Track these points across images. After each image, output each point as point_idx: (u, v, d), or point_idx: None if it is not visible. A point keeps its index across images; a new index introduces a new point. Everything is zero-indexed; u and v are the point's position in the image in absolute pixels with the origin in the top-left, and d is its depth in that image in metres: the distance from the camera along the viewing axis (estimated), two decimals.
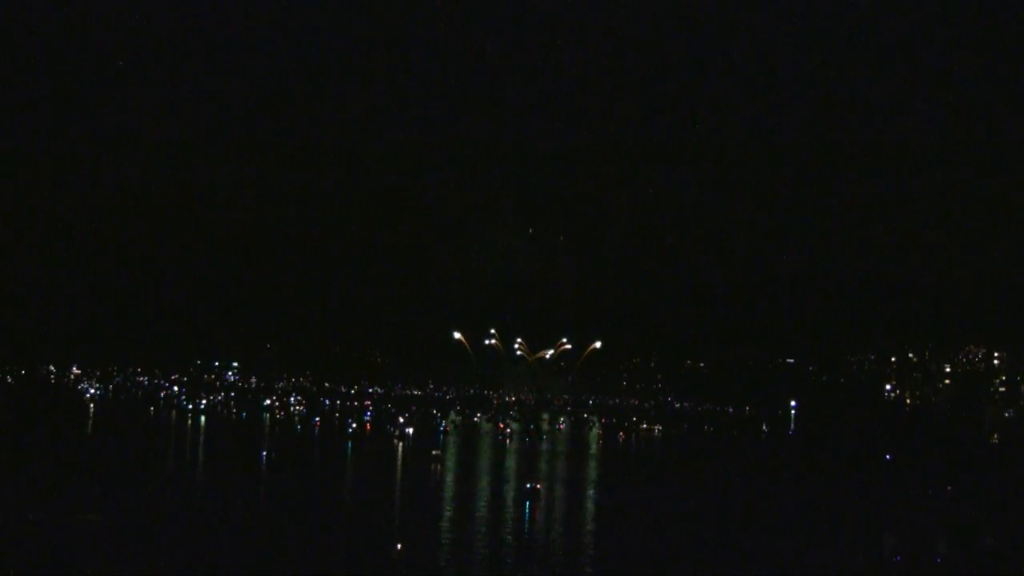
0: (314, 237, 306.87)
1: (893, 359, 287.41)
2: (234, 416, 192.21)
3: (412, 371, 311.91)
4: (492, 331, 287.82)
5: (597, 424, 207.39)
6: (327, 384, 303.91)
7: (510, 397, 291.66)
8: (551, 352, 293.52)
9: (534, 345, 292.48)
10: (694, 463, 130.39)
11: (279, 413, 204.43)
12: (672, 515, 78.83)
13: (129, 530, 59.21)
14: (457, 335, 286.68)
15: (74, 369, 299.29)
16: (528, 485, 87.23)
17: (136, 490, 76.90)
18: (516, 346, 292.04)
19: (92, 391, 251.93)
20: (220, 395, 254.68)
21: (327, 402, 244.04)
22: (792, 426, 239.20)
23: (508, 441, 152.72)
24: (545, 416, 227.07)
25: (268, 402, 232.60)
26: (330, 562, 54.34)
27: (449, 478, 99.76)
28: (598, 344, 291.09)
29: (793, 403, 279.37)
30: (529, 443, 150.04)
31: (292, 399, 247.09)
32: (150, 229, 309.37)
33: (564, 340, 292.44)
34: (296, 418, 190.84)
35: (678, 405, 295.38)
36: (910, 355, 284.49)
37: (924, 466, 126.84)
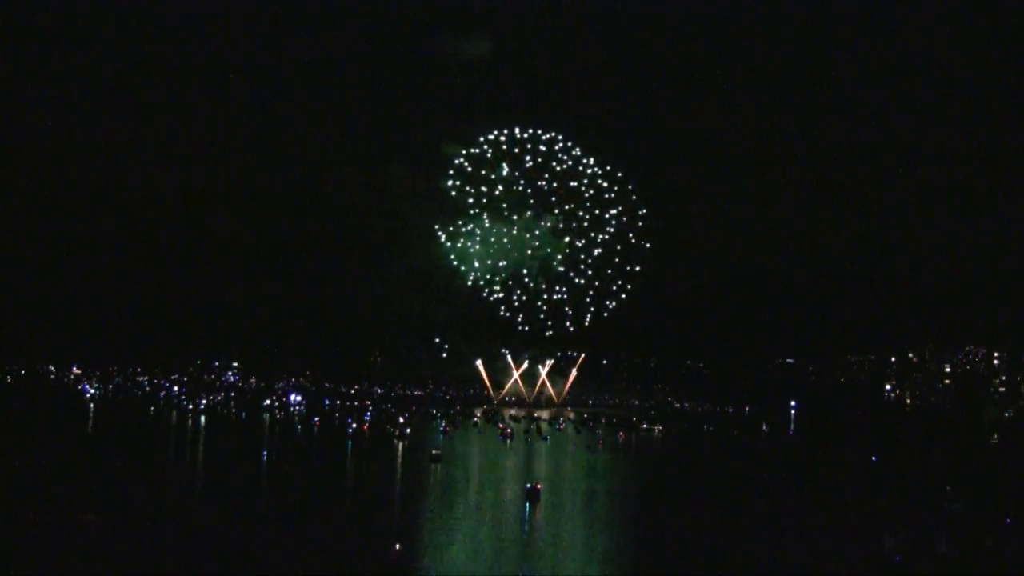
0: (314, 237, 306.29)
1: (893, 359, 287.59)
2: (234, 416, 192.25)
3: (412, 371, 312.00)
4: (504, 351, 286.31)
5: (597, 424, 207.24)
6: (327, 384, 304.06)
7: (510, 397, 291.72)
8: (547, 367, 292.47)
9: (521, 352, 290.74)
10: (694, 463, 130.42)
11: (279, 413, 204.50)
12: (672, 515, 78.86)
13: (129, 530, 59.21)
14: (479, 366, 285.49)
15: (74, 369, 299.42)
16: (528, 485, 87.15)
17: (136, 490, 76.89)
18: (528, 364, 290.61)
19: (92, 391, 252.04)
20: (220, 395, 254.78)
21: (327, 402, 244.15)
22: (792, 426, 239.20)
23: (508, 441, 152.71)
24: (545, 416, 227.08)
25: (268, 402, 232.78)
26: (330, 562, 54.34)
27: (449, 478, 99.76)
28: (582, 355, 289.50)
29: (793, 403, 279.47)
30: (529, 443, 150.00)
31: (292, 399, 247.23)
32: (150, 229, 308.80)
33: (557, 353, 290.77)
34: (296, 418, 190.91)
35: (678, 405, 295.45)
36: (910, 355, 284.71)
37: (921, 466, 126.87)
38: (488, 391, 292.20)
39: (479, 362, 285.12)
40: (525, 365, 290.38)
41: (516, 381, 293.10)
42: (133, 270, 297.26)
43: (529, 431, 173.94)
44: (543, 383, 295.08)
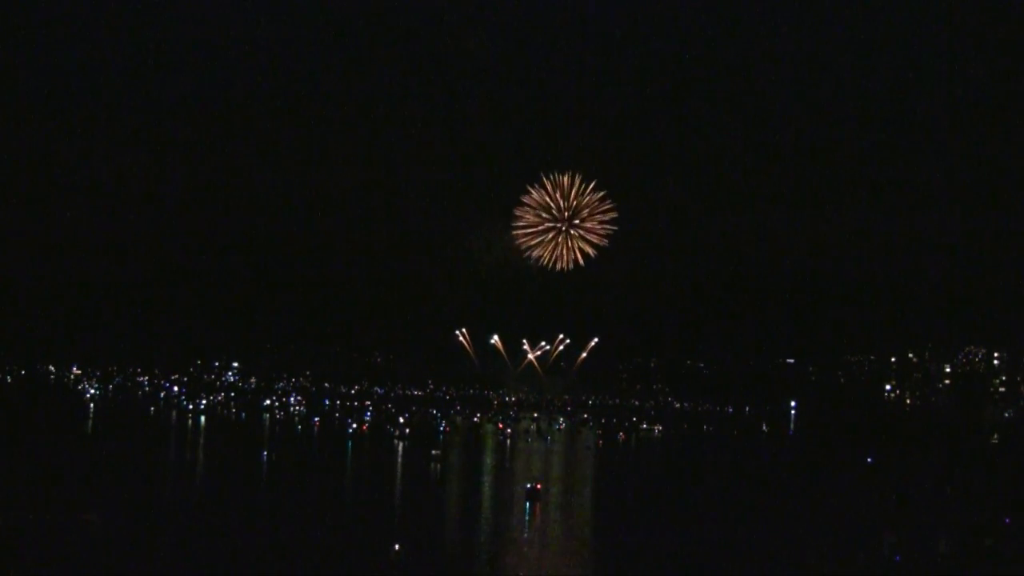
0: (315, 237, 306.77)
1: (893, 359, 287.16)
2: (234, 416, 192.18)
3: (412, 371, 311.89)
4: (495, 336, 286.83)
5: (597, 424, 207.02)
6: (327, 384, 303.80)
7: (510, 397, 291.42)
8: (548, 348, 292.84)
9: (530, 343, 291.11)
10: (694, 463, 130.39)
11: (279, 413, 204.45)
12: (672, 514, 78.88)
13: (129, 530, 59.22)
14: (460, 335, 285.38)
15: (74, 369, 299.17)
16: (529, 485, 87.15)
17: (136, 490, 76.90)
18: (524, 346, 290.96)
19: (92, 391, 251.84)
20: (220, 395, 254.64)
21: (327, 402, 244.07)
22: (792, 426, 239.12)
23: (508, 441, 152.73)
24: (545, 417, 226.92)
25: (268, 402, 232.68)
26: (330, 562, 54.35)
27: (449, 478, 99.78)
28: (595, 340, 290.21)
29: (793, 403, 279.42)
30: (529, 443, 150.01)
31: (292, 399, 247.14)
32: (150, 229, 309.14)
33: (562, 336, 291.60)
34: (296, 418, 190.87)
35: (678, 405, 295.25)
36: (910, 355, 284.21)
37: (921, 466, 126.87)
38: (488, 391, 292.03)
39: (462, 332, 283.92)
40: (525, 363, 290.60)
41: (515, 380, 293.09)
42: (133, 270, 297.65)
43: (529, 431, 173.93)
44: (542, 383, 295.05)
